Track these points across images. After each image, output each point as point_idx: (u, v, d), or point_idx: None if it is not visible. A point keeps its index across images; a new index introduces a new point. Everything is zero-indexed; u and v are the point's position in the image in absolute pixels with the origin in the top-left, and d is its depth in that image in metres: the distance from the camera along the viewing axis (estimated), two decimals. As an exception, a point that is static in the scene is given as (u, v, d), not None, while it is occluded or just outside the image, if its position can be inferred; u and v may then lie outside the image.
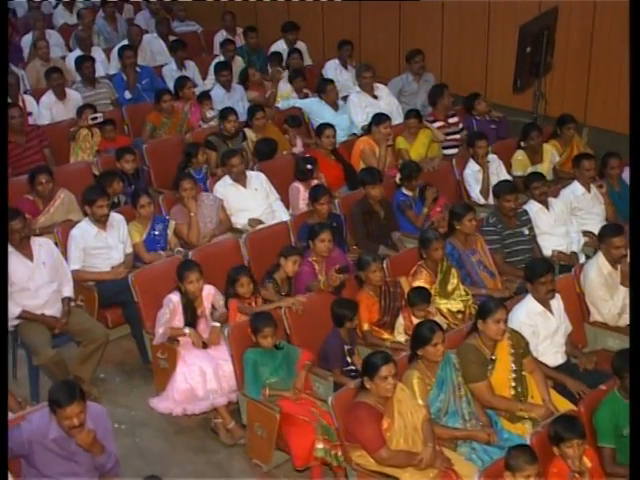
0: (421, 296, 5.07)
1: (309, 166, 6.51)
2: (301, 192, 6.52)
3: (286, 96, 8.39)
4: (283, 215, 6.42)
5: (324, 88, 7.93)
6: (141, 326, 5.29)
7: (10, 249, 5.08)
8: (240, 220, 6.32)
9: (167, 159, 7.02)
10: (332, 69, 8.96)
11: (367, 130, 7.27)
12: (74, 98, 7.87)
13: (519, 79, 7.27)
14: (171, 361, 5.00)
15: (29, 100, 7.77)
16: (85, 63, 8.09)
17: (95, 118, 6.99)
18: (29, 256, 5.15)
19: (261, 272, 5.50)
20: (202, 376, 4.87)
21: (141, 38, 9.12)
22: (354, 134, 7.87)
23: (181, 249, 5.87)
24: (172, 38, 9.52)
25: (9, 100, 7.53)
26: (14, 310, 5.04)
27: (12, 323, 5.13)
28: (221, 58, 8.88)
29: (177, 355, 4.95)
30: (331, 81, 8.04)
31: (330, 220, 5.94)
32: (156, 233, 5.89)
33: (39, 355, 4.99)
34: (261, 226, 6.20)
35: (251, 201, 6.39)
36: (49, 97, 7.78)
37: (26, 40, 9.36)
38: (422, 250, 5.39)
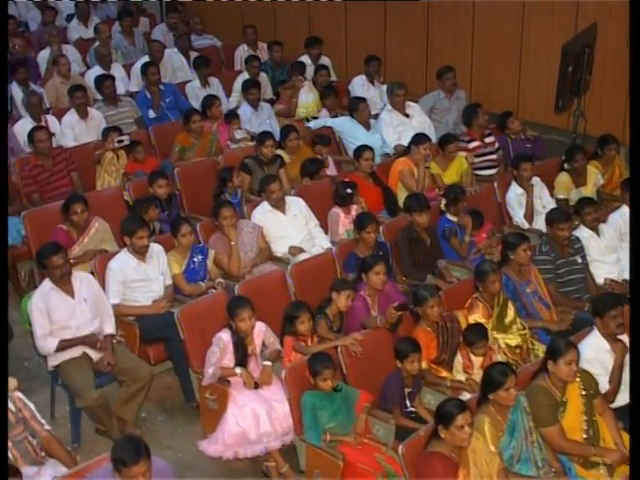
0: (478, 334, 4.90)
1: (349, 190, 6.35)
2: (341, 218, 6.36)
3: (310, 108, 8.25)
4: (323, 242, 6.25)
5: (356, 107, 7.77)
6: (186, 363, 5.10)
7: (50, 285, 4.91)
8: (280, 248, 6.15)
9: (199, 183, 6.84)
10: (359, 85, 8.80)
11: (404, 151, 7.11)
12: (96, 117, 7.70)
13: (561, 98, 7.12)
14: (221, 402, 4.81)
15: (52, 120, 7.57)
16: (105, 82, 7.92)
17: (121, 141, 6.81)
18: (70, 292, 4.95)
19: (312, 303, 5.32)
20: (255, 418, 4.68)
21: (162, 54, 8.93)
22: (386, 154, 7.72)
23: (222, 280, 5.69)
24: (192, 53, 9.35)
25: (34, 122, 7.38)
26: (52, 343, 4.84)
27: (52, 363, 4.94)
28: (246, 75, 8.70)
29: (227, 396, 4.76)
30: (363, 100, 7.87)
31: (376, 249, 5.78)
32: (195, 263, 5.71)
33: (83, 398, 4.79)
34: (304, 256, 6.03)
35: (291, 228, 6.22)
36: (71, 116, 7.60)
37: (42, 56, 9.15)
38: (478, 282, 5.22)
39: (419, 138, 6.96)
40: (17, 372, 5.51)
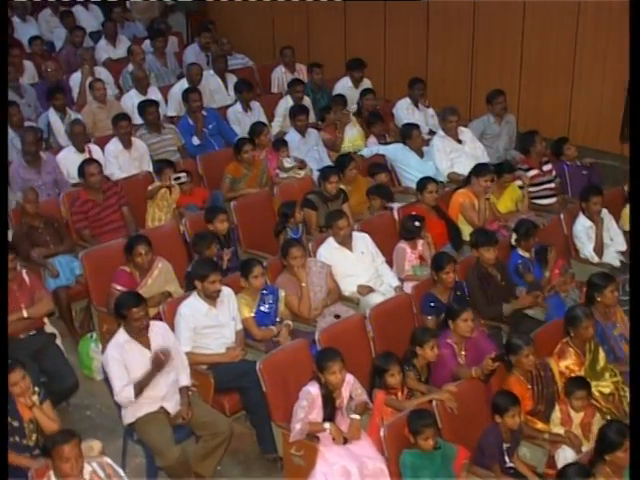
0: (579, 384, 4.73)
1: (417, 224, 6.19)
2: (407, 253, 6.20)
3: (357, 142, 8.10)
4: (391, 280, 6.07)
5: (409, 134, 7.60)
6: (266, 416, 4.90)
7: (125, 337, 4.72)
8: (348, 287, 5.97)
9: (256, 216, 6.68)
10: (403, 109, 8.63)
11: (465, 181, 6.95)
12: (140, 147, 7.52)
13: (626, 127, 6.98)
14: (308, 459, 4.61)
15: (95, 149, 7.37)
16: (149, 108, 7.71)
17: (178, 178, 6.64)
18: (146, 344, 4.76)
19: (390, 350, 5.15)
20: (345, 476, 4.48)
21: (201, 77, 8.74)
22: (440, 182, 7.54)
23: (289, 322, 5.51)
24: (228, 75, 9.14)
25: (78, 151, 7.22)
26: (130, 391, 4.64)
27: (128, 420, 4.73)
28: (289, 99, 8.52)
29: (316, 453, 4.56)
30: (416, 126, 7.71)
31: (454, 289, 5.61)
32: (266, 306, 5.51)
33: (164, 456, 4.58)
34: (374, 295, 5.85)
35: (358, 266, 6.04)
36: (115, 146, 7.40)
37: (74, 79, 8.92)
38: (569, 328, 5.04)
39: (480, 169, 6.79)
40: (79, 422, 5.36)
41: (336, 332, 5.17)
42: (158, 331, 4.85)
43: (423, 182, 6.65)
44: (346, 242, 6.05)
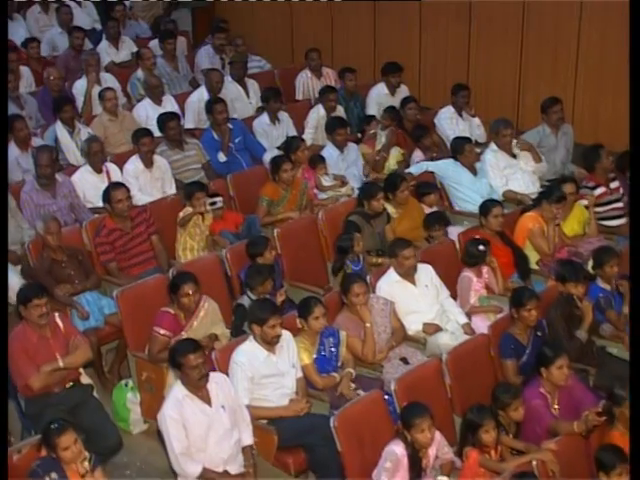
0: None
1: (482, 248, 6.15)
2: (473, 282, 6.15)
3: (399, 159, 8.07)
4: (459, 317, 5.98)
5: (461, 148, 7.54)
6: (335, 477, 4.79)
7: (184, 392, 4.63)
8: (412, 326, 5.88)
9: (300, 245, 6.60)
10: (446, 119, 8.58)
11: (534, 204, 6.88)
12: (162, 165, 7.44)
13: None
14: (389, 527, 4.52)
15: (113, 169, 7.26)
16: (171, 122, 7.61)
17: (214, 203, 6.54)
18: (206, 399, 4.67)
19: (467, 399, 5.08)
20: None
21: (222, 85, 8.64)
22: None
23: (351, 371, 5.40)
24: (248, 81, 9.12)
25: (94, 171, 7.13)
26: (194, 469, 4.54)
27: (186, 486, 4.63)
28: (320, 109, 8.46)
29: (399, 519, 4.49)
30: (468, 140, 7.65)
31: (534, 328, 5.53)
32: (326, 350, 5.41)
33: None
34: (443, 335, 5.77)
35: (422, 301, 5.96)
36: (135, 165, 7.30)
37: (78, 87, 8.80)
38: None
39: (552, 194, 6.70)
40: (119, 484, 5.23)
41: (413, 381, 5.07)
42: (218, 384, 4.75)
43: (487, 205, 6.58)
44: (409, 275, 5.96)
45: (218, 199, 6.62)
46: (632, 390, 4.06)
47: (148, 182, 7.31)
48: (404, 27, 10.01)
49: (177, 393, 4.65)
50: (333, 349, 5.45)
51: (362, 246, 6.42)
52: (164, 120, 7.65)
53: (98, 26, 11.50)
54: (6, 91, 8.06)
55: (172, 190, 7.42)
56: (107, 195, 6.37)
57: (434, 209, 7.22)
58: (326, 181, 7.52)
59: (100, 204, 7.09)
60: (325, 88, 8.67)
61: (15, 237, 6.54)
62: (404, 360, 5.63)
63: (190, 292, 5.39)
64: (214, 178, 7.67)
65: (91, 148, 7.13)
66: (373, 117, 8.31)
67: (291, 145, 7.49)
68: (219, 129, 7.92)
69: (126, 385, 5.77)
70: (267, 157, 8.09)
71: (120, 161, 7.45)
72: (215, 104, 7.92)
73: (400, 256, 5.91)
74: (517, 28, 9.11)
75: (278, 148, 8.35)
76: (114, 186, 6.43)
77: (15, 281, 6.30)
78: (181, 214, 6.64)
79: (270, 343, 5.12)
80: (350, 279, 5.66)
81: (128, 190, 6.43)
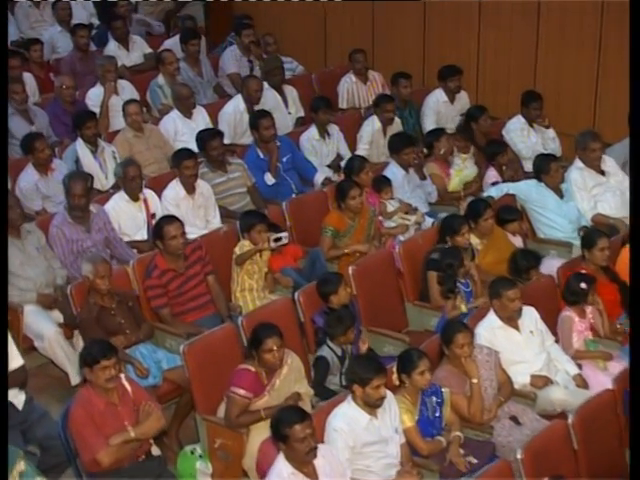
0: None
1: (583, 285, 6.14)
2: (575, 322, 6.15)
3: (471, 180, 8.11)
4: (568, 366, 5.95)
5: (546, 167, 7.51)
6: None
7: (290, 469, 4.56)
8: (518, 378, 5.82)
9: (376, 283, 6.56)
10: (517, 130, 8.60)
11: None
12: (205, 191, 7.41)
13: None
14: None
15: (150, 196, 7.20)
16: (213, 142, 7.55)
17: (279, 239, 6.48)
18: (313, 477, 4.60)
19: (597, 465, 5.04)
20: None
21: (261, 94, 8.60)
22: (584, 227, 7.47)
23: (459, 434, 5.35)
24: (287, 88, 9.15)
25: (131, 199, 7.08)
26: None
27: None
28: (375, 121, 8.46)
29: None
30: (554, 158, 7.64)
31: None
32: (429, 410, 5.36)
33: None
34: (555, 390, 5.73)
35: (528, 349, 5.92)
36: (175, 191, 7.26)
37: (92, 96, 8.75)
38: None
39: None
40: None
41: (541, 448, 5.01)
42: (325, 455, 4.69)
43: (592, 236, 6.56)
44: (513, 319, 5.92)
45: (284, 234, 6.58)
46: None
47: (190, 210, 7.26)
48: (460, 27, 10.00)
49: (281, 471, 4.58)
50: (437, 409, 5.41)
51: (441, 289, 6.45)
52: (206, 138, 7.59)
53: (95, 21, 11.49)
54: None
55: (216, 219, 7.41)
56: (159, 230, 6.28)
57: (517, 238, 7.24)
58: (391, 206, 7.48)
59: (138, 237, 7.12)
60: (381, 97, 8.69)
61: (47, 278, 6.47)
62: (514, 419, 5.59)
63: (275, 347, 5.31)
64: (261, 203, 7.67)
65: (127, 173, 7.04)
66: (443, 131, 8.28)
67: (353, 166, 7.43)
68: (265, 147, 7.90)
69: (192, 452, 5.68)
70: (319, 178, 8.17)
71: (156, 186, 7.40)
72: (261, 118, 7.89)
73: (504, 297, 5.85)
74: (594, 28, 9.10)
75: (329, 167, 8.39)
76: (167, 220, 6.34)
77: (51, 330, 6.28)
78: (237, 250, 6.57)
79: (373, 406, 5.05)
80: (453, 327, 5.60)
81: (182, 224, 6.35)
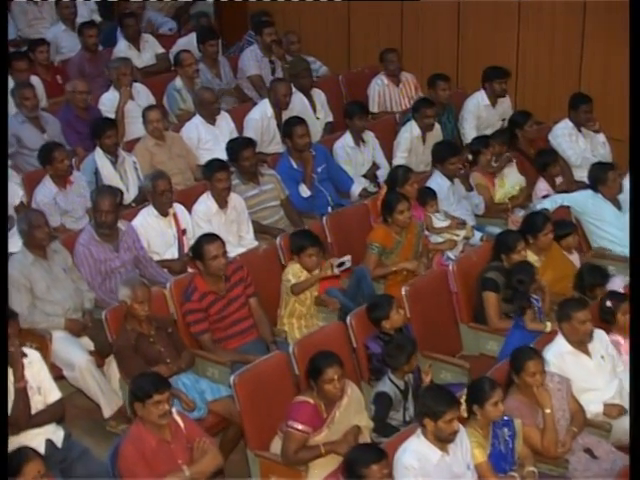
0: None
1: (608, 304, 6.17)
2: (622, 345, 6.16)
3: (517, 192, 8.14)
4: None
5: (603, 177, 7.56)
6: None
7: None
8: (590, 407, 5.82)
9: (430, 304, 6.58)
10: (565, 135, 8.63)
11: None
12: (237, 205, 7.43)
13: None
14: None
15: (180, 211, 7.20)
16: (245, 151, 7.55)
17: (342, 264, 6.48)
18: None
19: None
20: None
21: (290, 99, 8.61)
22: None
23: (534, 470, 5.35)
24: (315, 91, 9.18)
25: (160, 214, 7.06)
26: None
27: None
28: (414, 127, 8.47)
29: None
30: (611, 167, 7.67)
31: None
32: (501, 443, 5.35)
33: None
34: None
35: (599, 376, 5.93)
36: (207, 205, 7.27)
37: (107, 103, 8.73)
38: None
39: None
40: None
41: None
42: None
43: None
44: (583, 343, 5.93)
45: (346, 259, 6.56)
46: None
47: (222, 226, 7.26)
48: (497, 26, 10.06)
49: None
50: (509, 442, 5.40)
51: (497, 310, 6.52)
52: (237, 147, 7.61)
53: (97, 17, 11.47)
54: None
55: (250, 235, 7.44)
56: (198, 250, 6.27)
57: (574, 254, 7.26)
58: (437, 220, 7.49)
59: (168, 255, 7.12)
60: (421, 101, 8.71)
61: (75, 302, 6.45)
62: (589, 452, 5.60)
63: (335, 377, 5.30)
64: (296, 218, 7.72)
65: (157, 186, 7.04)
66: (489, 138, 8.29)
67: (397, 176, 7.45)
68: (299, 156, 7.92)
69: (244, 491, 5.68)
70: (355, 189, 8.20)
71: (184, 199, 7.39)
72: (295, 126, 7.90)
73: (574, 320, 5.85)
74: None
75: (364, 176, 8.39)
76: (207, 238, 6.32)
77: (82, 358, 6.26)
78: (291, 277, 6.54)
79: (445, 441, 5.05)
80: (524, 354, 5.59)
81: (224, 243, 6.34)
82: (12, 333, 5.39)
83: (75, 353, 6.25)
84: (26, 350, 5.49)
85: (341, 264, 6.53)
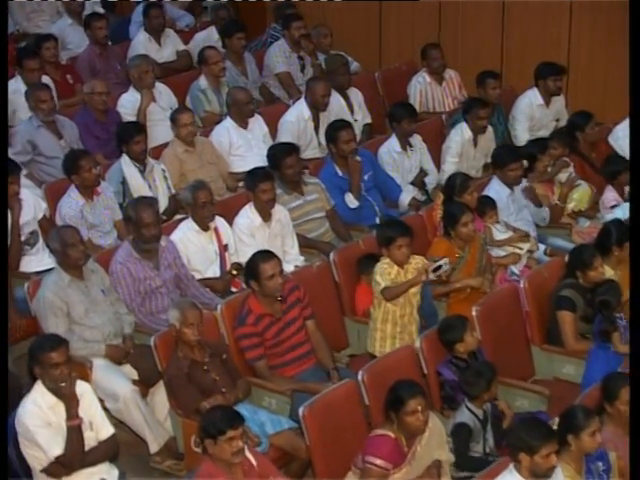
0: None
1: None
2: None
3: (584, 201, 8.17)
4: None
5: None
6: None
7: None
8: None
9: (502, 325, 6.58)
10: (625, 138, 8.59)
11: None
12: (282, 217, 7.43)
13: None
14: None
15: (221, 224, 7.19)
16: (288, 158, 7.54)
17: (439, 268, 6.37)
18: None
19: None
20: None
21: (329, 99, 8.62)
22: None
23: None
24: (352, 91, 9.20)
25: (201, 229, 7.05)
26: None
27: None
28: (465, 130, 8.48)
29: None
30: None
31: None
32: (596, 478, 5.38)
33: None
34: None
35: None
36: (250, 218, 7.29)
37: (127, 105, 8.73)
38: None
39: None
40: None
41: None
42: None
43: None
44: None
45: (443, 261, 6.44)
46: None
47: (266, 241, 7.26)
48: (546, 22, 10.13)
49: None
50: (603, 477, 5.40)
51: (574, 330, 6.54)
52: (279, 154, 7.61)
53: (99, 9, 11.45)
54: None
55: (294, 249, 7.44)
56: (254, 269, 6.23)
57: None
58: (498, 231, 7.50)
59: (209, 273, 7.11)
60: (473, 101, 8.72)
61: (115, 326, 6.43)
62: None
63: (419, 409, 5.32)
64: (342, 230, 7.74)
65: (198, 198, 7.01)
66: (547, 141, 8.32)
67: (454, 185, 7.43)
68: (344, 163, 7.92)
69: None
70: (404, 199, 8.23)
71: (224, 212, 7.38)
72: (340, 130, 7.91)
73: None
74: None
75: (412, 184, 8.40)
76: (263, 257, 6.29)
77: (126, 388, 6.23)
78: (379, 278, 6.39)
79: (541, 477, 5.04)
80: (618, 381, 5.57)
81: (280, 262, 6.34)
82: (61, 362, 5.31)
83: (119, 383, 6.22)
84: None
85: (437, 268, 6.42)
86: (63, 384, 5.29)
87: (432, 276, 6.43)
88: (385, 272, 6.45)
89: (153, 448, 6.24)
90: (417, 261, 6.54)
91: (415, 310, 6.54)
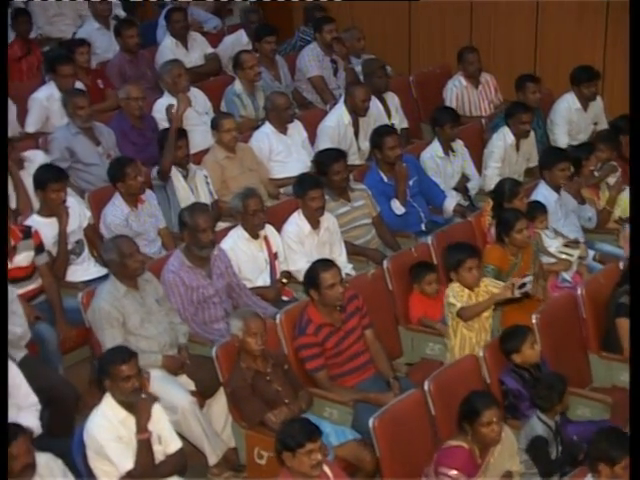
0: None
1: None
2: None
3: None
4: None
5: None
6: None
7: None
8: None
9: (561, 334, 6.60)
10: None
11: None
12: (330, 225, 7.46)
13: None
14: None
15: (270, 232, 7.21)
16: (336, 164, 7.56)
17: (524, 285, 6.39)
18: None
19: None
20: None
21: (369, 104, 8.62)
22: None
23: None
24: (389, 95, 9.23)
25: (252, 238, 7.08)
26: None
27: None
28: (507, 134, 8.50)
29: None
30: None
31: None
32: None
33: None
34: None
35: None
36: (299, 226, 7.33)
37: (162, 110, 8.62)
38: None
39: None
40: None
41: None
42: None
43: None
44: None
45: (528, 279, 6.48)
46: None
47: (314, 248, 7.30)
48: (580, 25, 10.19)
49: None
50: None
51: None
52: (327, 160, 7.62)
53: (121, 12, 11.44)
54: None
55: (342, 257, 7.44)
56: (314, 278, 6.26)
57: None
58: (549, 238, 7.51)
59: (259, 282, 7.13)
60: (515, 105, 8.73)
61: (171, 336, 6.43)
62: None
63: (494, 420, 5.35)
64: (389, 237, 7.77)
65: (249, 206, 7.02)
66: (591, 145, 8.36)
67: (504, 191, 7.47)
68: (390, 169, 7.94)
69: None
70: (449, 204, 8.24)
71: (273, 220, 7.38)
72: (385, 136, 7.92)
73: None
74: None
75: (455, 189, 8.43)
76: (323, 265, 6.31)
77: (185, 400, 6.20)
78: (452, 299, 6.45)
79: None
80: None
81: (340, 270, 6.35)
82: (132, 374, 5.35)
83: (177, 394, 6.18)
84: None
85: (522, 285, 6.43)
86: (135, 397, 5.33)
87: (517, 293, 6.42)
88: (457, 295, 6.48)
89: (212, 460, 6.21)
90: (486, 283, 6.57)
91: (489, 336, 6.56)
